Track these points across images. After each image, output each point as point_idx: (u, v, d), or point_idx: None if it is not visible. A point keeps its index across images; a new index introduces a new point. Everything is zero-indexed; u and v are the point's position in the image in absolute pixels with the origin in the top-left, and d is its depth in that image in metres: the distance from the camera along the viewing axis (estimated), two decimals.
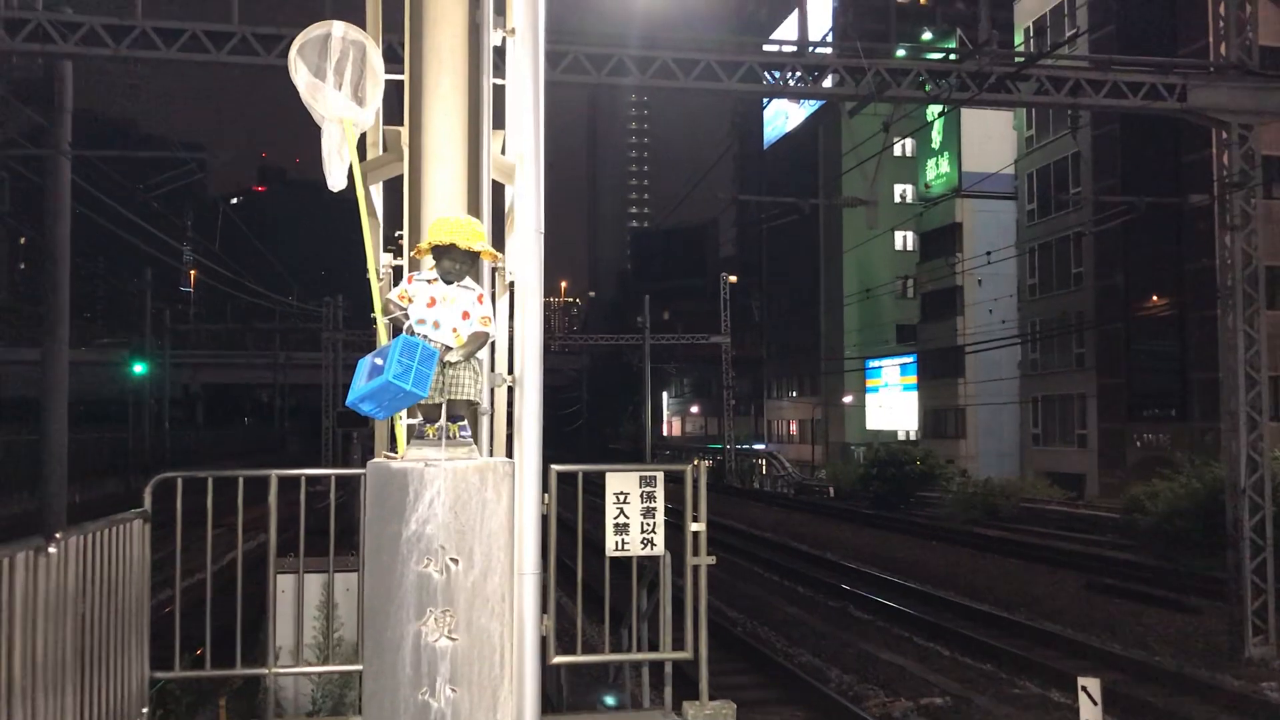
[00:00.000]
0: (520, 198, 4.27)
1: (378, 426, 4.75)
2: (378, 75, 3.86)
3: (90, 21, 11.49)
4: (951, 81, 13.36)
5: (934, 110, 18.85)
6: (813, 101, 47.47)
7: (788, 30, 50.09)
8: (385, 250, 4.97)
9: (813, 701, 10.94)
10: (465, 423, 3.28)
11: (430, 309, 3.23)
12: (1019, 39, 39.68)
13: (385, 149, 4.93)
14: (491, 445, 4.24)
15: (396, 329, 3.29)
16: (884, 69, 13.24)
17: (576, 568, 5.43)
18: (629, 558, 5.34)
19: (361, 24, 4.31)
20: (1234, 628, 13.23)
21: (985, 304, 44.55)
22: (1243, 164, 13.58)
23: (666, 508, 5.25)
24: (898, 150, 50.65)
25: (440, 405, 3.21)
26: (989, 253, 35.59)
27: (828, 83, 13.52)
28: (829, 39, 21.75)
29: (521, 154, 4.29)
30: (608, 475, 5.21)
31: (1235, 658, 12.88)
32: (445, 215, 3.49)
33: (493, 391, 4.25)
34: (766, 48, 18.41)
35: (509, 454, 4.29)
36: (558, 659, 5.37)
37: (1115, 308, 35.94)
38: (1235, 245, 13.66)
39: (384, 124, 4.88)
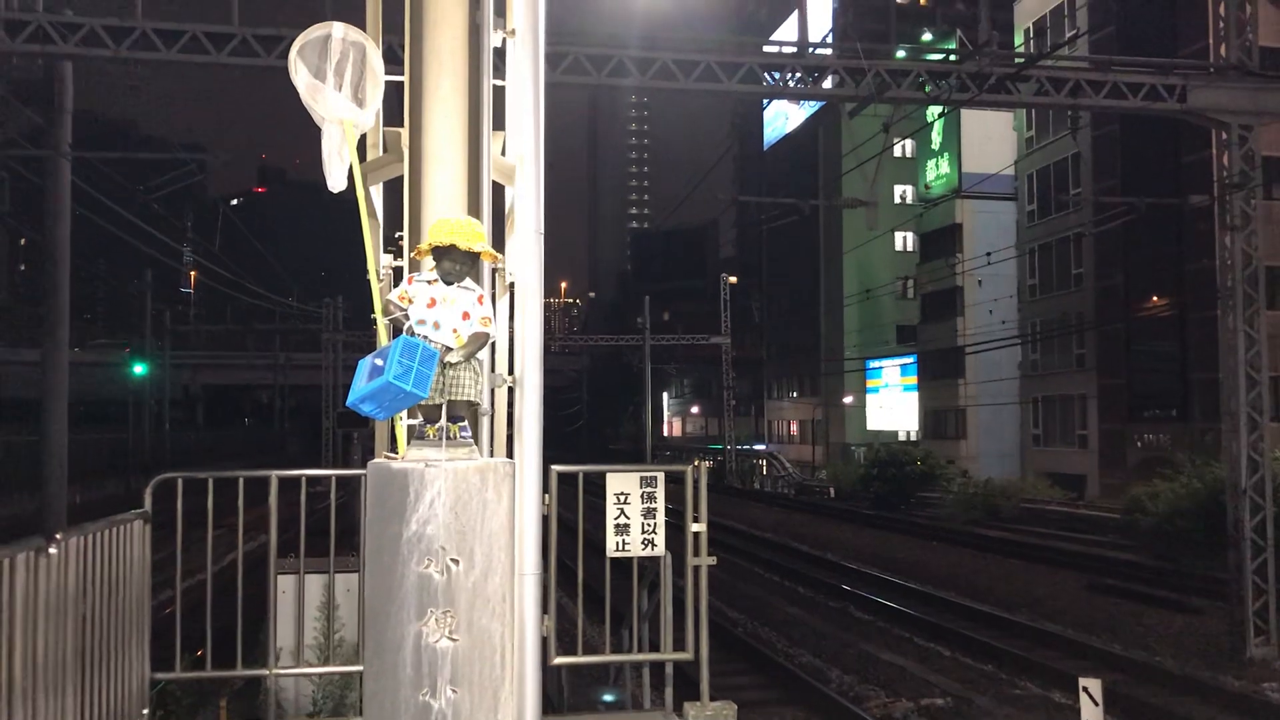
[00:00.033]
0: (520, 199, 4.27)
1: (378, 427, 4.75)
2: (378, 76, 3.86)
3: (90, 23, 11.49)
4: (951, 82, 13.36)
5: (934, 111, 18.82)
6: (813, 102, 47.47)
7: (788, 31, 50.10)
8: (385, 251, 4.97)
9: (813, 702, 10.94)
10: (466, 423, 3.28)
11: (430, 310, 3.23)
12: (1019, 40, 39.70)
13: (385, 150, 4.93)
14: (492, 446, 4.25)
15: (397, 330, 3.29)
16: (884, 70, 13.25)
17: (577, 568, 5.43)
18: (630, 558, 5.33)
19: (362, 25, 4.31)
20: (1235, 628, 13.23)
21: (985, 304, 44.56)
22: (1243, 165, 13.59)
23: (667, 508, 5.25)
24: (898, 151, 50.61)
25: (441, 406, 3.21)
26: (989, 253, 35.58)
27: (828, 84, 13.53)
28: (829, 40, 21.76)
29: (522, 155, 4.29)
30: (608, 476, 5.21)
31: (1236, 658, 12.88)
32: (445, 216, 3.49)
33: (493, 392, 4.25)
34: (766, 49, 18.42)
35: (509, 454, 4.29)
36: (558, 660, 5.37)
37: (1115, 308, 35.94)
38: (1235, 246, 13.66)
39: (384, 125, 4.88)
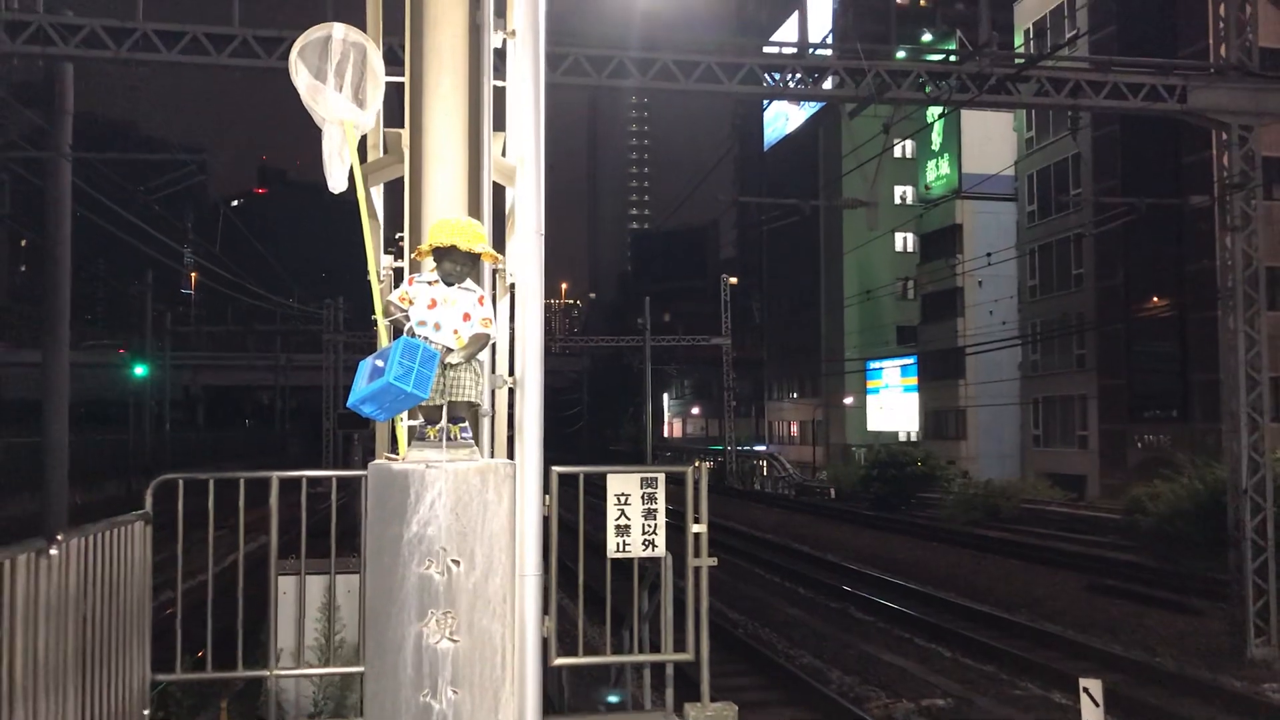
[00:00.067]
0: (521, 199, 4.27)
1: (379, 428, 4.76)
2: (378, 77, 3.86)
3: (91, 24, 11.50)
4: (951, 83, 13.36)
5: (934, 112, 18.81)
6: (813, 103, 47.48)
7: (788, 32, 50.09)
8: (386, 252, 4.98)
9: (814, 703, 10.94)
10: (466, 424, 3.28)
11: (431, 311, 3.24)
12: (1019, 40, 39.73)
13: (386, 151, 4.94)
14: (493, 447, 4.25)
15: (397, 331, 3.29)
16: (884, 70, 13.25)
17: (578, 569, 5.42)
18: (630, 559, 5.33)
19: (362, 26, 4.31)
20: (1235, 629, 13.23)
21: (986, 305, 44.58)
22: (1243, 165, 13.59)
23: (668, 509, 5.25)
24: (898, 152, 50.63)
25: (441, 407, 3.21)
26: (989, 254, 35.59)
27: (828, 84, 13.53)
28: (829, 41, 21.76)
29: (522, 156, 4.30)
30: (609, 477, 5.21)
31: (1237, 659, 12.87)
32: (446, 217, 3.49)
33: (493, 393, 4.25)
34: (767, 50, 18.40)
35: (510, 455, 4.30)
36: (559, 660, 5.37)
37: (1116, 309, 35.93)
38: (1236, 246, 13.66)
39: (385, 126, 4.89)
